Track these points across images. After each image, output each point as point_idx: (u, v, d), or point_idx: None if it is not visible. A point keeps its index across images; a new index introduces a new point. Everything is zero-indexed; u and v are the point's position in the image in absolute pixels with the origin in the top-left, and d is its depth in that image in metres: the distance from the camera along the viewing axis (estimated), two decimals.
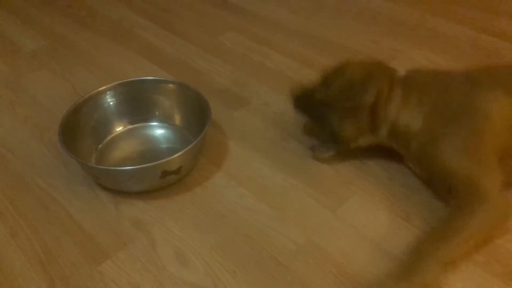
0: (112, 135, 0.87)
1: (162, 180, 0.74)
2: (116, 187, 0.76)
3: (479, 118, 0.68)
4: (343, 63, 0.77)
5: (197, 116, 0.83)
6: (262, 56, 1.15)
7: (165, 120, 0.90)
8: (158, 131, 0.89)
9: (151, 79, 0.90)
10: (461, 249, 0.63)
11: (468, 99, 0.70)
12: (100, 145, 0.85)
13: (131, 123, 0.89)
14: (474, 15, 1.31)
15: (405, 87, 0.73)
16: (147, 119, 0.90)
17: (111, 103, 0.87)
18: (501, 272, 0.64)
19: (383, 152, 0.84)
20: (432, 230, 0.65)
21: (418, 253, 0.62)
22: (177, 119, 0.89)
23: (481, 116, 0.68)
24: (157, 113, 0.90)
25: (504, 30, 1.22)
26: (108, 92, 0.87)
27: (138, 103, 0.89)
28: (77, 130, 0.81)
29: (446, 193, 0.72)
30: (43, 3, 1.45)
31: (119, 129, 0.89)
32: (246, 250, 0.68)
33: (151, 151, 0.85)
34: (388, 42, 1.19)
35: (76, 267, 0.66)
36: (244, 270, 0.65)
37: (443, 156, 0.68)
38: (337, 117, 0.76)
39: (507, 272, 0.64)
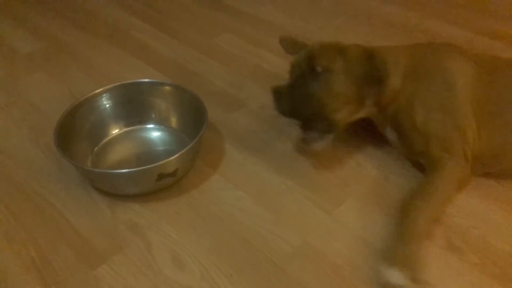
0: (108, 137, 0.87)
1: (159, 183, 0.74)
2: (112, 190, 0.76)
3: (447, 75, 0.74)
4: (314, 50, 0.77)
5: (193, 118, 0.83)
6: (258, 58, 1.15)
7: (162, 123, 0.90)
8: (155, 133, 0.89)
9: (147, 82, 0.89)
10: (439, 204, 0.71)
11: (435, 61, 0.76)
12: (96, 148, 0.85)
13: (127, 126, 0.89)
14: (469, 16, 1.32)
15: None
16: (144, 121, 0.90)
17: (107, 105, 0.87)
18: (497, 274, 0.64)
19: (378, 153, 0.84)
20: (412, 193, 0.71)
21: (408, 215, 0.68)
22: (174, 121, 0.89)
23: (449, 73, 0.74)
24: (153, 115, 0.90)
25: (499, 31, 1.23)
26: (104, 95, 0.87)
27: (134, 106, 0.89)
28: (73, 133, 0.81)
29: (419, 153, 0.76)
30: (39, 5, 1.44)
31: (115, 131, 0.88)
32: (242, 253, 0.68)
33: (147, 154, 0.85)
34: (383, 44, 1.19)
35: (71, 272, 0.65)
36: (240, 273, 0.65)
37: (418, 114, 0.74)
38: (328, 101, 0.74)
39: (503, 274, 0.64)
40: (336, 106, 0.74)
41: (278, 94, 0.78)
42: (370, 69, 0.73)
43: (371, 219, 0.72)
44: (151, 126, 0.90)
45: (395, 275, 0.62)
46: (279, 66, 1.11)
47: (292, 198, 0.76)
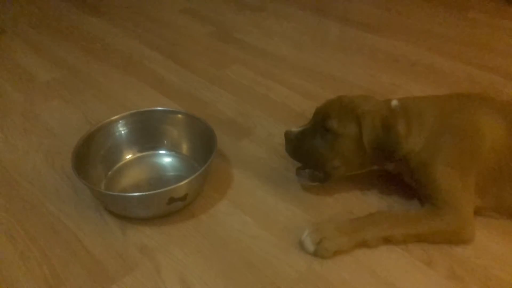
0: (122, 162, 0.91)
1: (169, 207, 0.77)
2: (124, 213, 0.79)
3: (474, 139, 0.74)
4: (342, 102, 0.79)
5: (203, 145, 0.87)
6: (266, 88, 1.20)
7: (173, 149, 0.94)
8: (166, 159, 0.93)
9: (161, 110, 0.94)
10: (404, 235, 0.73)
11: (466, 121, 0.75)
12: (109, 172, 0.88)
13: (140, 151, 0.93)
14: (470, 52, 1.36)
15: (406, 116, 0.77)
16: (156, 147, 0.94)
17: (122, 132, 0.91)
18: None
19: (382, 183, 0.86)
20: (394, 212, 0.77)
21: (372, 219, 0.73)
22: (185, 148, 0.93)
23: (478, 137, 0.74)
24: (165, 142, 0.94)
25: (499, 66, 1.27)
26: (120, 121, 0.91)
27: (147, 132, 0.93)
28: (89, 157, 0.84)
29: (428, 196, 0.76)
30: (58, 36, 1.52)
31: (129, 156, 0.92)
32: (248, 277, 0.69)
33: (158, 179, 0.88)
34: (387, 77, 1.24)
35: None
36: None
37: (435, 170, 0.74)
38: (330, 159, 0.78)
39: None
40: (337, 164, 0.79)
41: (289, 138, 0.82)
42: (384, 142, 0.74)
43: (374, 247, 0.74)
44: (163, 152, 0.94)
45: (307, 241, 0.72)
46: (286, 96, 1.16)
47: (298, 225, 0.78)
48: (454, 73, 1.25)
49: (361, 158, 0.77)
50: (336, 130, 0.76)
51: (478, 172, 0.74)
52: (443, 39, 1.45)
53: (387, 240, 0.73)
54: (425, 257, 0.72)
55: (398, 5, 1.74)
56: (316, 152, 0.79)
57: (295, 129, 0.82)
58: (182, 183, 0.74)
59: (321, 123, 0.79)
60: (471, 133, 0.74)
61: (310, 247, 0.72)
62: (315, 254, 0.72)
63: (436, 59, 1.33)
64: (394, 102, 0.79)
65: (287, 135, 0.82)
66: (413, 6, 1.73)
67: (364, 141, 0.75)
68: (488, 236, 0.75)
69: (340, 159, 0.78)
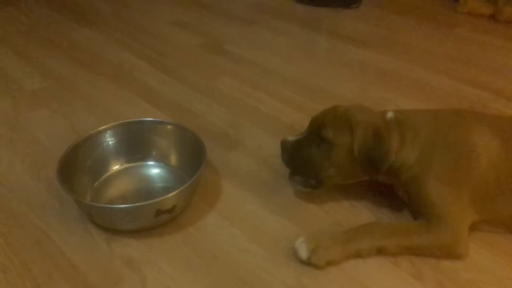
0: (109, 173, 0.89)
1: (156, 219, 0.76)
2: (110, 225, 0.77)
3: (469, 156, 0.74)
4: (338, 112, 0.79)
5: (192, 156, 0.86)
6: (256, 100, 1.20)
7: (162, 160, 0.92)
8: (154, 170, 0.91)
9: (149, 120, 0.93)
10: (398, 247, 0.73)
11: (461, 137, 0.76)
12: (96, 183, 0.87)
13: (128, 162, 0.92)
14: (457, 67, 1.39)
15: (400, 128, 0.77)
16: (144, 158, 0.92)
17: (110, 142, 0.90)
18: None
19: (371, 195, 0.86)
20: (387, 223, 0.78)
21: (365, 229, 0.74)
22: (173, 159, 0.92)
23: (472, 153, 0.74)
24: (154, 153, 0.93)
25: (486, 82, 1.29)
26: (108, 132, 0.90)
27: (136, 143, 0.92)
28: (75, 167, 0.83)
29: (421, 213, 0.76)
30: (46, 44, 1.51)
31: (116, 167, 0.91)
32: None
33: (146, 190, 0.87)
34: (376, 91, 1.25)
35: None
36: None
37: (427, 185, 0.74)
38: (324, 167, 0.79)
39: None
40: (332, 173, 0.79)
41: (285, 147, 0.83)
42: (374, 151, 0.74)
43: (364, 261, 0.73)
44: (151, 163, 0.92)
45: (301, 248, 0.71)
46: (276, 108, 1.16)
47: (287, 237, 0.77)
48: (441, 88, 1.27)
49: (356, 168, 0.77)
50: (331, 139, 0.77)
51: (473, 188, 0.74)
52: (430, 55, 1.48)
53: (380, 251, 0.73)
54: (414, 270, 0.72)
55: (387, 21, 1.77)
56: (311, 161, 0.79)
57: (291, 138, 0.83)
58: (170, 194, 0.73)
59: (316, 132, 0.79)
60: (465, 150, 0.74)
61: (304, 254, 0.71)
62: (308, 261, 0.71)
63: (423, 74, 1.35)
64: (389, 114, 0.79)
65: (284, 144, 0.83)
66: (401, 22, 1.76)
67: (354, 150, 0.75)
68: (477, 250, 0.75)
69: (335, 168, 0.78)
